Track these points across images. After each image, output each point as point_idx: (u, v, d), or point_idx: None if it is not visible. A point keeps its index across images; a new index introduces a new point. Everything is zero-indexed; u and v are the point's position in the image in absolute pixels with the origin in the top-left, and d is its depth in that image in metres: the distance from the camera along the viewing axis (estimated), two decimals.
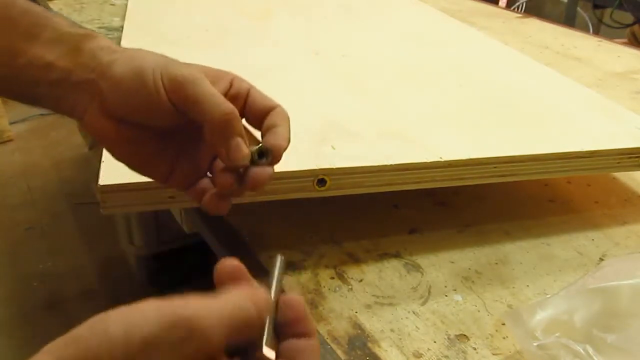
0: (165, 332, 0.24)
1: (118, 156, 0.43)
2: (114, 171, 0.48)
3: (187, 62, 0.42)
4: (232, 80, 0.43)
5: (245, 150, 0.39)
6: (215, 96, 0.38)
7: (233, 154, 0.39)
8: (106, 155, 0.51)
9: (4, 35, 0.41)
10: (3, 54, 0.41)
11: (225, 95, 0.41)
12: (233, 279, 0.30)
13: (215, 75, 0.42)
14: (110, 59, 0.40)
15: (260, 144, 0.40)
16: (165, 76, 0.38)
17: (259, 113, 0.42)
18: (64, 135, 2.42)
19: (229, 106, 0.38)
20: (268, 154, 0.40)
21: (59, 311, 1.56)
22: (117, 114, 0.40)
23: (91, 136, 0.42)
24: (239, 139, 0.39)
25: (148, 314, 0.25)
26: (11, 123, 2.45)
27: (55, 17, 0.42)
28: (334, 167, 0.51)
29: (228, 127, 0.38)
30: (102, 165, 0.49)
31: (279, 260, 0.33)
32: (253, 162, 0.39)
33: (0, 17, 0.41)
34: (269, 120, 0.41)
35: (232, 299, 0.27)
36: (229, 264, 0.30)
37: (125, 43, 0.84)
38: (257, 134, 0.42)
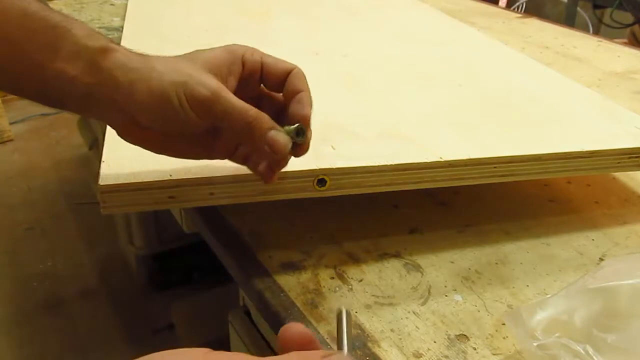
0: None
1: (159, 152, 0.45)
2: (114, 171, 0.48)
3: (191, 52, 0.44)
4: (243, 58, 0.44)
5: (282, 139, 0.42)
6: (237, 108, 0.41)
7: (274, 148, 0.41)
8: (106, 155, 0.51)
9: (26, 48, 0.41)
10: (29, 66, 0.41)
11: (241, 78, 0.44)
12: (299, 345, 0.29)
13: (227, 63, 0.43)
14: (127, 79, 0.41)
15: (297, 125, 0.42)
16: (190, 98, 0.40)
17: (277, 78, 0.45)
18: (64, 135, 2.42)
19: (251, 114, 0.41)
20: (304, 131, 0.43)
21: (59, 311, 1.56)
22: (149, 127, 0.43)
23: (128, 142, 0.45)
24: (273, 132, 0.41)
25: None
26: (11, 123, 2.46)
27: (74, 24, 0.42)
28: (334, 167, 0.51)
29: (256, 129, 0.41)
30: (102, 165, 0.49)
31: (344, 315, 0.32)
32: (292, 140, 0.43)
33: (20, 29, 0.41)
34: (289, 85, 0.44)
35: None
36: (296, 330, 0.29)
37: (125, 43, 0.84)
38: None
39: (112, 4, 1.19)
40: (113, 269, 1.71)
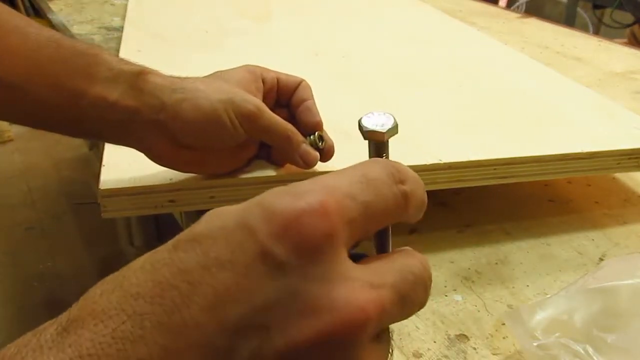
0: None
1: (189, 171, 0.48)
2: (114, 175, 0.48)
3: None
4: (262, 76, 0.48)
5: (313, 153, 0.47)
6: (277, 122, 0.45)
7: (306, 160, 0.47)
8: (107, 158, 0.51)
9: (62, 77, 0.41)
10: (68, 95, 0.41)
11: (265, 93, 0.48)
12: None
13: (252, 81, 0.47)
14: (174, 99, 0.42)
15: (317, 132, 0.48)
16: (237, 113, 0.43)
17: (289, 92, 0.49)
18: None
19: (288, 127, 0.46)
20: (323, 137, 0.48)
21: (59, 311, 1.54)
22: (188, 145, 0.44)
23: (159, 164, 0.46)
24: (304, 146, 0.46)
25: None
26: (11, 123, 2.45)
27: (102, 50, 0.44)
28: (333, 169, 0.51)
29: (292, 142, 0.46)
30: (103, 169, 0.49)
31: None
32: (315, 147, 0.48)
33: (54, 60, 0.42)
34: (297, 95, 0.49)
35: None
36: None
37: (125, 43, 0.84)
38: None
39: (112, 4, 1.19)
40: (113, 269, 1.70)
